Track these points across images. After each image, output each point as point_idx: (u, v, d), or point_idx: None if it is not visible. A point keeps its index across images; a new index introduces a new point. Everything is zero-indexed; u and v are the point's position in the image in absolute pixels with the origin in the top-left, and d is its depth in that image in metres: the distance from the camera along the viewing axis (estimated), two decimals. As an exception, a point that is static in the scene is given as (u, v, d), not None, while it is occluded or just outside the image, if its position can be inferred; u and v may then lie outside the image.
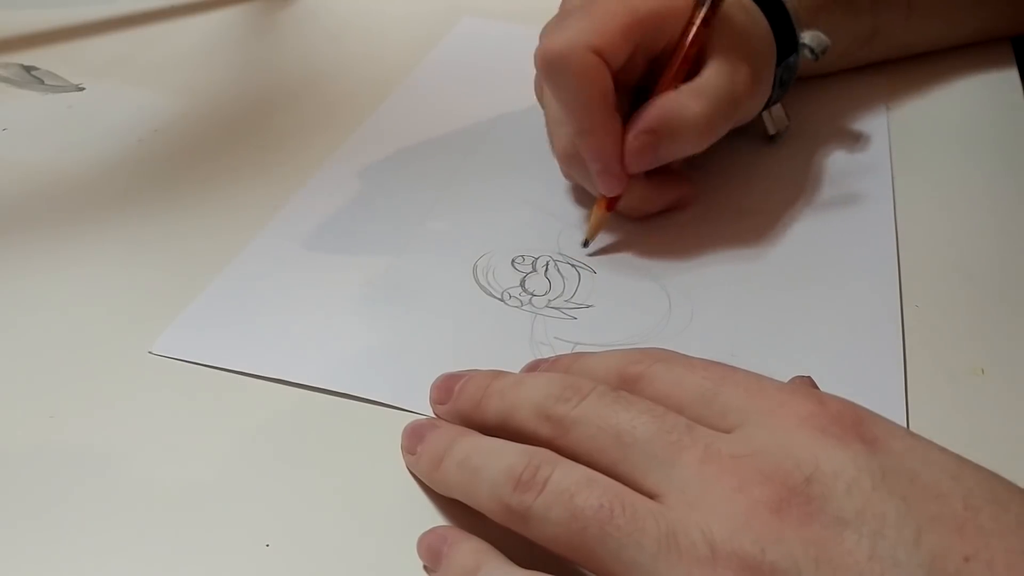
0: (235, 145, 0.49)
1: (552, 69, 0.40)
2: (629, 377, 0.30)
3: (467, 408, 0.31)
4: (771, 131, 0.49)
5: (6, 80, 0.54)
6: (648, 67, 0.43)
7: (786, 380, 0.32)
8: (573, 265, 0.41)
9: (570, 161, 0.43)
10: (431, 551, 0.28)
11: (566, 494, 0.26)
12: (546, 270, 0.40)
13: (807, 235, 0.43)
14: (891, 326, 0.38)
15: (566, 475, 0.27)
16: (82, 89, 0.53)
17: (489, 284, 0.40)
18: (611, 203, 0.42)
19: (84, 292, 0.39)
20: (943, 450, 0.26)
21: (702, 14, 0.41)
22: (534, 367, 0.34)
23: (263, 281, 0.39)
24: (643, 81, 0.43)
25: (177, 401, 0.34)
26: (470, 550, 0.27)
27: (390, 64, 0.57)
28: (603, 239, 0.42)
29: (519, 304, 0.39)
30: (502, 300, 0.39)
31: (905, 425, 0.33)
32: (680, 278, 0.40)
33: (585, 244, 0.42)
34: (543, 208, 0.44)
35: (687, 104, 0.41)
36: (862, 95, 0.53)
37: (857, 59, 0.54)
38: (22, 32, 0.59)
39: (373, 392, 0.34)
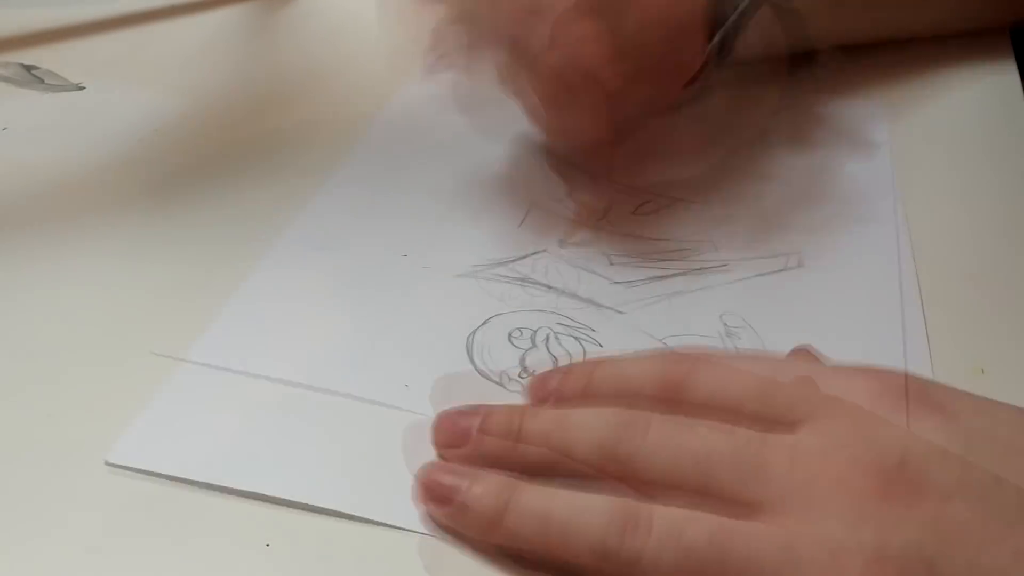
0: (235, 145, 0.49)
1: (550, 84, 0.40)
2: (672, 383, 0.29)
3: (498, 451, 0.29)
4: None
5: (6, 79, 0.54)
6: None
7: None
8: (576, 337, 0.37)
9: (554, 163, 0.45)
10: (439, 486, 0.28)
11: (673, 534, 0.25)
12: (547, 344, 0.36)
13: (808, 238, 0.43)
14: (904, 261, 0.40)
15: (665, 515, 0.26)
16: (82, 89, 0.53)
17: (486, 365, 0.35)
18: (590, 206, 0.44)
19: (84, 292, 0.38)
20: (998, 403, 0.27)
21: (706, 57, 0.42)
22: (544, 381, 0.32)
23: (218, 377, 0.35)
24: None
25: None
26: (497, 482, 0.28)
27: (391, 64, 0.57)
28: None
29: (520, 389, 0.34)
30: (501, 384, 0.34)
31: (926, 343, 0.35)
32: (683, 339, 0.37)
33: (563, 245, 0.42)
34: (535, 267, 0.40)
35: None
36: (859, 90, 0.53)
37: (880, 35, 0.53)
38: (22, 32, 0.59)
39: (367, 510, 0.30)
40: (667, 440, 0.27)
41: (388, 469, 0.31)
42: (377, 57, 0.58)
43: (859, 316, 0.38)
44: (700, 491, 0.26)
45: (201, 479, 0.30)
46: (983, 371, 0.36)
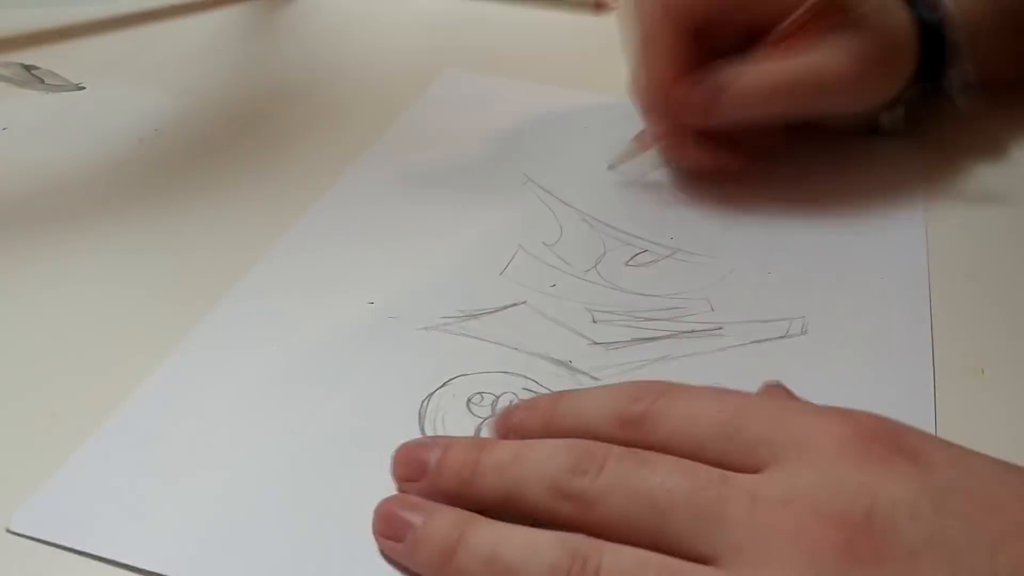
0: (235, 145, 0.49)
1: (624, 11, 0.44)
2: (632, 418, 0.27)
3: (453, 486, 0.28)
4: (882, 129, 0.48)
5: (6, 79, 0.54)
6: (741, 34, 0.43)
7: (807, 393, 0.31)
8: None
9: (636, 97, 0.45)
10: (395, 519, 0.27)
11: None
12: None
13: (816, 302, 0.39)
14: (922, 337, 0.36)
15: (616, 560, 0.24)
16: (82, 89, 0.53)
17: (437, 435, 0.32)
18: (645, 140, 0.45)
19: (84, 292, 0.38)
20: (977, 453, 0.25)
21: (810, 3, 0.41)
22: (507, 416, 0.31)
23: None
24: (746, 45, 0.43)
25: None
26: (451, 518, 0.26)
27: (391, 63, 0.57)
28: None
29: None
30: None
31: (935, 430, 0.33)
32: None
33: (610, 167, 0.45)
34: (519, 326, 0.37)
35: (749, 76, 0.41)
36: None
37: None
38: (22, 32, 0.59)
39: None
40: (622, 479, 0.26)
41: (314, 552, 0.28)
42: (378, 56, 0.58)
43: (865, 400, 0.34)
44: (654, 534, 0.25)
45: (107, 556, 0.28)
46: (983, 371, 0.36)
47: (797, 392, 0.32)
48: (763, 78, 0.41)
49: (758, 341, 0.36)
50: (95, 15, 0.61)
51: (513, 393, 0.34)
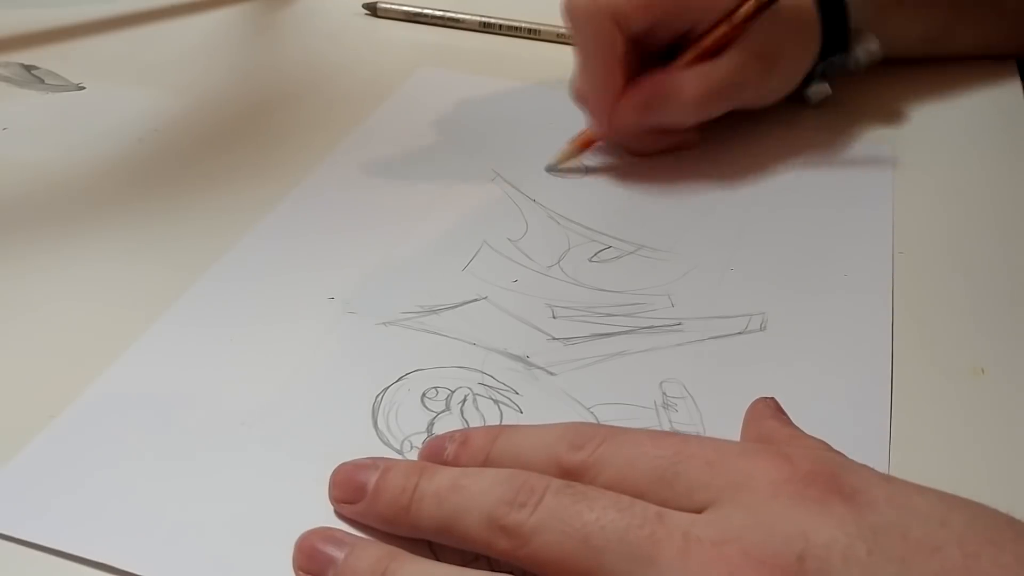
0: (235, 145, 0.49)
1: (571, 20, 0.45)
2: (573, 468, 0.27)
3: (390, 513, 0.27)
4: (810, 102, 0.51)
5: (6, 79, 0.54)
6: (675, 39, 0.46)
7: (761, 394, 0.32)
8: (496, 400, 0.34)
9: (578, 98, 0.47)
10: (316, 554, 0.27)
11: None
12: (462, 407, 0.33)
13: (800, 231, 0.43)
14: (882, 334, 0.37)
15: None
16: (82, 89, 0.53)
17: (388, 429, 0.32)
18: (585, 143, 0.47)
19: (84, 291, 0.38)
20: (923, 490, 0.25)
21: (743, 13, 0.44)
22: (438, 447, 0.30)
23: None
24: (670, 49, 0.46)
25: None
26: (375, 554, 0.26)
27: (390, 63, 0.57)
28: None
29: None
30: (400, 453, 0.31)
31: (888, 431, 0.33)
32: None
33: (548, 169, 0.46)
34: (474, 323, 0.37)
35: (684, 85, 0.45)
36: (868, 95, 0.53)
37: (928, 54, 0.54)
38: (22, 32, 0.59)
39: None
40: (557, 513, 0.25)
41: (261, 546, 0.28)
42: (377, 56, 0.58)
43: (819, 397, 0.34)
44: (587, 572, 0.24)
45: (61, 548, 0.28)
46: (983, 371, 0.36)
47: (750, 385, 0.33)
48: (681, 92, 0.45)
49: (716, 337, 0.37)
50: (95, 15, 0.61)
51: (468, 387, 0.34)
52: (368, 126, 0.50)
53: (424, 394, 0.34)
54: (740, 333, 0.37)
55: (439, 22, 0.61)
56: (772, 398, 0.32)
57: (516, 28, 0.60)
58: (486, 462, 0.29)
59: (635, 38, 0.45)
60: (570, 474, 0.27)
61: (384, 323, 0.37)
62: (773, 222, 0.43)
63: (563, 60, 0.57)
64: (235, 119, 0.51)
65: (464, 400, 0.33)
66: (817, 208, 0.44)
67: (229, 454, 0.31)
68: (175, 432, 0.32)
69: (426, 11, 0.62)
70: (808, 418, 0.31)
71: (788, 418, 0.31)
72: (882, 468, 0.31)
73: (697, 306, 0.38)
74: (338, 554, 0.26)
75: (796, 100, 0.50)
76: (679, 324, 0.37)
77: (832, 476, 0.25)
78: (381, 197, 0.44)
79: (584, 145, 0.47)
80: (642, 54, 0.46)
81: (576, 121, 0.47)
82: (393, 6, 0.62)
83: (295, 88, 0.54)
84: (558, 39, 0.59)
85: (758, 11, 0.44)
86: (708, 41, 0.45)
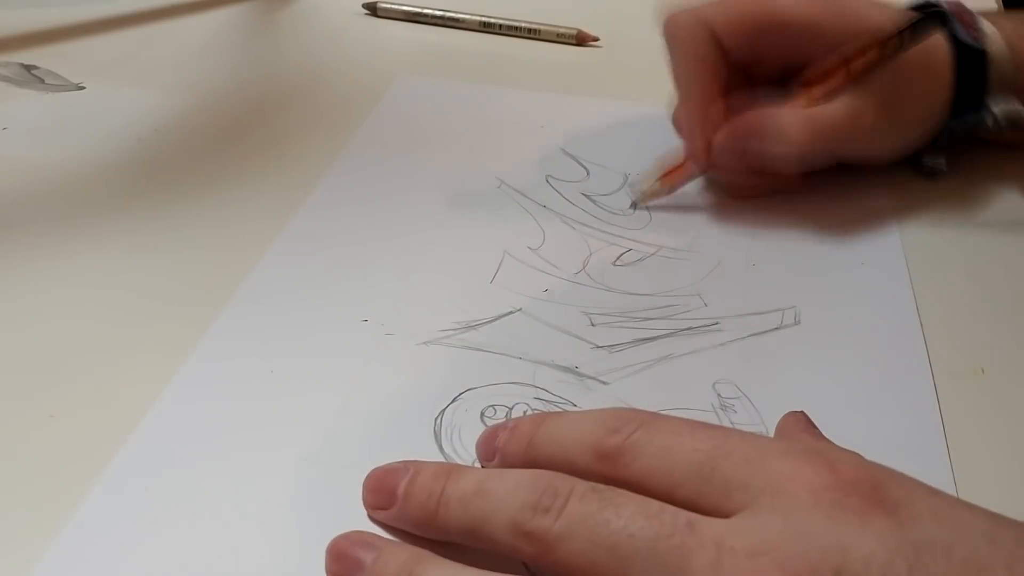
0: (235, 144, 0.49)
1: (667, 34, 0.43)
2: (608, 452, 0.26)
3: (420, 517, 0.27)
4: (924, 170, 0.46)
5: (6, 79, 0.54)
6: (783, 72, 0.43)
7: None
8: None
9: (675, 126, 0.45)
10: (346, 558, 0.26)
11: None
12: None
13: (813, 221, 0.42)
14: (910, 318, 0.37)
15: None
16: (82, 89, 0.53)
17: (456, 453, 0.31)
18: (676, 177, 0.44)
19: (83, 291, 0.38)
20: (971, 506, 0.24)
21: (870, 57, 0.41)
22: (492, 437, 0.30)
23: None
24: (786, 78, 0.43)
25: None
26: (402, 557, 0.26)
27: (389, 64, 0.57)
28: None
29: None
30: None
31: (940, 420, 0.33)
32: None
33: (633, 206, 0.44)
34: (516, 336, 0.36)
35: (788, 128, 0.41)
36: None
37: None
38: (22, 32, 0.59)
39: None
40: (584, 520, 0.24)
41: None
42: (376, 56, 0.58)
43: (862, 386, 0.35)
44: None
45: None
46: (983, 371, 0.36)
47: (798, 381, 0.33)
48: (783, 135, 0.41)
49: (755, 334, 0.37)
50: (95, 15, 0.61)
51: (526, 404, 0.33)
52: (356, 140, 0.48)
53: (483, 413, 0.33)
54: (777, 328, 0.37)
55: (439, 22, 0.61)
56: (802, 412, 0.31)
57: (516, 28, 0.60)
58: (529, 447, 0.28)
59: (739, 65, 0.43)
60: (606, 458, 0.26)
61: (424, 343, 0.36)
62: (783, 215, 0.43)
63: (563, 60, 0.57)
64: (236, 119, 0.51)
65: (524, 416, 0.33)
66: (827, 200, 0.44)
67: (296, 494, 0.30)
68: (232, 476, 0.30)
69: (426, 11, 0.62)
70: (859, 417, 0.32)
71: (819, 431, 0.30)
72: (944, 465, 0.31)
73: (730, 304, 0.38)
74: (367, 557, 0.26)
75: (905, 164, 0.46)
76: (716, 324, 0.37)
77: (875, 486, 0.24)
78: (387, 210, 0.43)
79: (674, 180, 0.44)
80: (752, 93, 0.43)
81: (569, 122, 0.47)
82: (393, 6, 0.62)
83: (295, 88, 0.54)
84: (558, 39, 0.59)
85: (880, 61, 0.41)
86: (819, 92, 0.42)
